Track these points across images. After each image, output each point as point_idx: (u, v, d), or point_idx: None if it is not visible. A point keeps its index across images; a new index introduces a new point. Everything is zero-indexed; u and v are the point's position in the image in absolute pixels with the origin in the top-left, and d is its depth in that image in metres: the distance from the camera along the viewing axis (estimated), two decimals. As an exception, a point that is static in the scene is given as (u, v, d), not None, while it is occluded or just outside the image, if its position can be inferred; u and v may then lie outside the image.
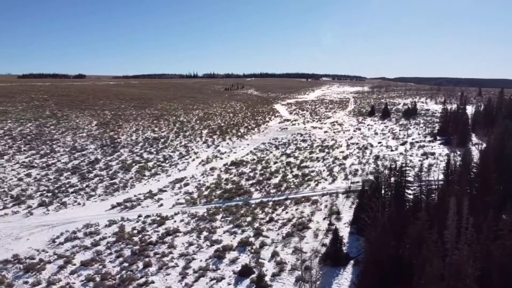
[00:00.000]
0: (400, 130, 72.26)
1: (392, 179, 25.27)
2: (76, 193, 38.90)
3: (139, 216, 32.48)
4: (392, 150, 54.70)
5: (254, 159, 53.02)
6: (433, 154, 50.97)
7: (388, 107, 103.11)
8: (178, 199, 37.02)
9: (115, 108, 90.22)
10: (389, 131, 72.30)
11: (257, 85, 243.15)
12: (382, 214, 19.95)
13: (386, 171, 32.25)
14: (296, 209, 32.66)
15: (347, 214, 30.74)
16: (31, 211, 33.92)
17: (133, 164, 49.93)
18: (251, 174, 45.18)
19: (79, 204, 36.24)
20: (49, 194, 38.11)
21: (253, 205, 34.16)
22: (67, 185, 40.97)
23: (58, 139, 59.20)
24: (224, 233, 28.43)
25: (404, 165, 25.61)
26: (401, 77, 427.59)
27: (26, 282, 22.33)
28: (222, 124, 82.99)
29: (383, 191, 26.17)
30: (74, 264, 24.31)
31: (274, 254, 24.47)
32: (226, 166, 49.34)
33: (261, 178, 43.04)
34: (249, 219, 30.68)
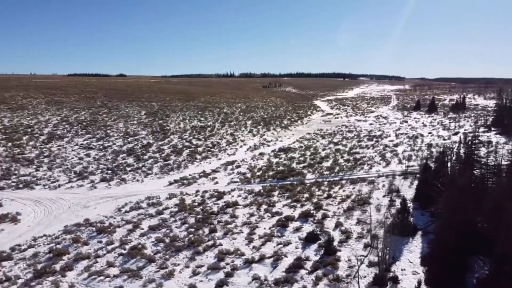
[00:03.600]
0: (450, 123, 70.08)
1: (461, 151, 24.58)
2: (133, 171, 40.34)
3: (197, 191, 33.25)
4: (444, 139, 53.14)
5: (301, 147, 53.04)
6: (489, 142, 49.02)
7: (434, 102, 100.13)
8: (232, 178, 37.61)
9: (161, 100, 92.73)
10: (438, 123, 70.28)
11: (295, 84, 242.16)
12: (457, 180, 19.49)
13: (456, 145, 31.23)
14: (353, 188, 32.41)
15: (407, 193, 30.18)
16: (94, 185, 35.48)
17: (184, 148, 51.13)
18: (301, 158, 45.21)
19: (137, 180, 37.55)
20: (109, 172, 39.74)
21: (308, 184, 34.18)
22: (124, 165, 42.55)
23: (111, 125, 61.63)
24: (283, 206, 28.63)
25: (474, 140, 24.87)
26: (442, 78, 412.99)
27: (100, 242, 23.41)
28: (265, 116, 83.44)
29: (449, 166, 25.53)
30: (142, 229, 25.24)
31: (338, 224, 24.42)
32: (275, 152, 49.63)
33: (312, 162, 43.01)
34: (306, 195, 30.74)
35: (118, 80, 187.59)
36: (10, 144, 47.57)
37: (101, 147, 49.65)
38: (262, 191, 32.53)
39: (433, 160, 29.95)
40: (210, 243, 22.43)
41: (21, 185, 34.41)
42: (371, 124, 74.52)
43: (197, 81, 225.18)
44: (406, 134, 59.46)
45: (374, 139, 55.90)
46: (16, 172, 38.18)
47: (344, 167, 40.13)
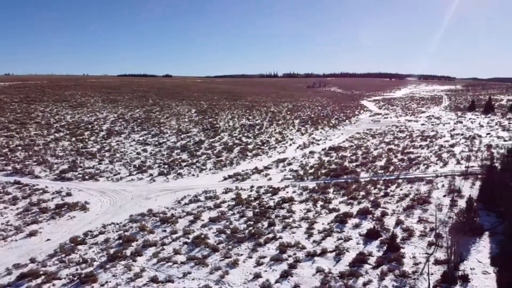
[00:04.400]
0: (510, 123, 66.55)
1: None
2: (188, 166, 41.66)
3: (252, 186, 33.85)
4: (505, 140, 50.62)
5: (352, 146, 52.42)
6: (556, 144, 46.21)
7: (491, 102, 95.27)
8: (285, 175, 37.92)
9: (209, 99, 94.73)
10: (496, 124, 66.97)
11: (339, 84, 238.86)
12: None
13: None
14: (411, 187, 31.73)
15: (468, 193, 29.13)
16: (153, 179, 37.02)
17: (234, 146, 52.08)
18: (353, 157, 44.71)
19: (193, 175, 38.76)
20: (166, 166, 41.28)
21: (363, 182, 33.84)
22: (179, 160, 44.02)
23: (164, 122, 63.88)
24: (339, 203, 28.58)
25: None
26: (497, 78, 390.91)
27: (164, 231, 24.50)
28: (312, 115, 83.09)
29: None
30: (203, 220, 26.12)
31: (399, 222, 24.10)
32: (325, 151, 49.40)
33: (364, 161, 42.45)
34: (362, 193, 30.48)
35: (166, 80, 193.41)
36: (74, 139, 50.59)
37: (156, 143, 51.64)
38: (316, 188, 32.61)
39: (499, 160, 28.72)
40: (270, 236, 22.86)
41: (87, 177, 36.54)
42: (423, 124, 72.22)
43: (241, 81, 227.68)
44: (462, 134, 57.16)
45: (428, 140, 54.20)
46: (81, 164, 40.56)
47: (399, 166, 39.30)
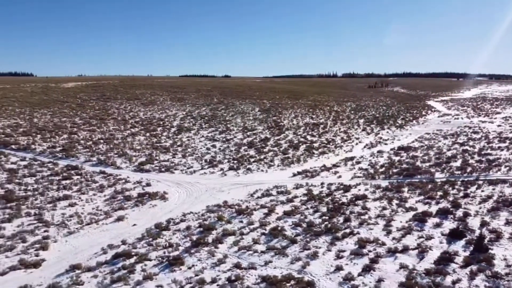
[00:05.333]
0: None
1: None
2: (257, 162, 42.50)
3: (322, 183, 33.88)
4: None
5: (422, 146, 50.56)
6: None
7: None
8: (355, 173, 37.50)
9: (271, 99, 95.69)
10: None
11: (403, 84, 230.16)
12: None
13: None
14: (493, 189, 30.07)
15: (562, 198, 27.12)
16: (224, 173, 38.25)
17: (300, 144, 52.28)
18: (425, 157, 43.13)
19: (262, 171, 39.52)
20: (235, 162, 42.43)
21: (439, 183, 32.61)
22: (247, 156, 45.04)
23: (230, 120, 65.63)
24: (416, 202, 27.81)
25: None
26: None
27: (241, 221, 25.30)
28: (377, 115, 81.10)
29: None
30: (277, 213, 26.62)
31: (484, 223, 23.02)
32: (394, 150, 48.11)
33: (438, 161, 40.81)
34: (440, 193, 29.39)
35: (226, 80, 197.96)
36: (148, 134, 53.57)
37: (224, 139, 53.23)
38: (389, 186, 31.93)
39: None
40: (347, 231, 22.83)
41: (163, 169, 38.57)
42: (499, 125, 67.82)
43: (300, 81, 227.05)
44: (547, 136, 53.03)
45: (508, 141, 50.89)
46: (157, 158, 42.87)
47: (477, 167, 37.34)
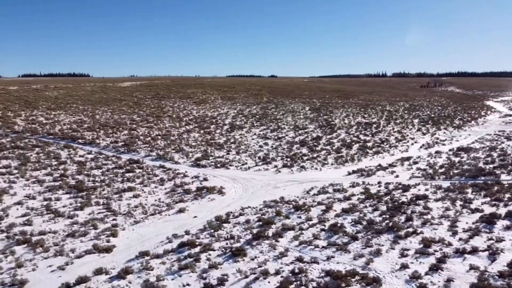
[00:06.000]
0: None
1: None
2: (310, 160, 42.43)
3: (379, 182, 33.26)
4: None
5: (484, 147, 48.23)
6: None
7: None
8: (412, 173, 36.48)
9: (321, 98, 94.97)
10: None
11: (457, 83, 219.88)
12: None
13: None
14: None
15: None
16: (278, 170, 38.55)
17: (353, 143, 51.55)
18: (488, 159, 41.12)
19: (315, 169, 39.42)
20: (288, 159, 42.61)
21: (506, 185, 31.00)
22: (300, 154, 45.08)
23: (280, 118, 65.92)
24: (482, 204, 26.64)
25: None
26: None
27: (299, 217, 25.43)
28: (432, 115, 78.20)
29: None
30: (335, 210, 26.50)
31: (561, 228, 21.67)
32: (453, 151, 46.24)
33: (503, 163, 38.76)
34: (508, 195, 27.96)
35: (274, 80, 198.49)
36: (202, 131, 55.04)
37: (275, 137, 53.59)
38: (451, 187, 30.78)
39: None
40: (410, 230, 22.32)
41: (218, 165, 39.50)
42: None
43: (348, 81, 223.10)
44: None
45: None
46: (212, 154, 43.97)
47: (548, 170, 35.10)
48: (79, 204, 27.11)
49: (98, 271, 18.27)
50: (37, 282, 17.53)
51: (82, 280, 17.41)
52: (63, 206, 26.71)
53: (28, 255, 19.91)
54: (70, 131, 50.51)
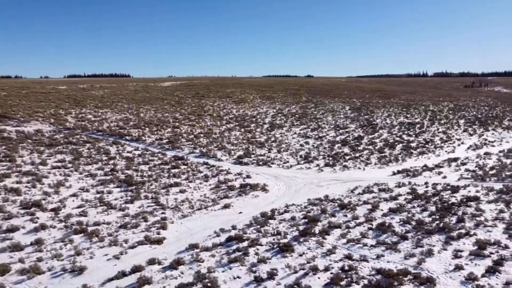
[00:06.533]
0: None
1: None
2: (352, 160, 41.95)
3: (426, 183, 32.43)
4: None
5: (538, 149, 45.90)
6: None
7: None
8: (461, 174, 35.32)
9: (361, 98, 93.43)
10: None
11: (505, 83, 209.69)
12: None
13: None
14: None
15: None
16: (320, 169, 38.38)
17: (396, 143, 50.49)
18: (544, 161, 39.14)
19: (359, 168, 38.93)
20: (330, 158, 42.33)
21: None
22: (342, 153, 44.64)
23: (321, 118, 65.48)
24: (540, 207, 25.42)
25: None
26: None
27: (345, 216, 25.25)
28: (479, 115, 75.10)
29: None
30: (382, 210, 26.10)
31: None
32: (504, 153, 44.36)
33: (561, 166, 36.79)
34: None
35: (311, 80, 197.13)
36: (242, 129, 55.63)
37: (316, 136, 53.34)
38: (504, 189, 29.54)
39: None
40: (462, 231, 21.67)
41: (260, 163, 39.82)
42: None
43: (388, 81, 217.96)
44: None
45: None
46: (254, 152, 44.37)
47: None
48: (129, 198, 28.12)
49: (151, 261, 18.93)
50: (95, 269, 18.37)
51: (137, 269, 18.09)
52: (115, 199, 27.81)
53: (85, 244, 20.88)
54: (117, 128, 52.46)
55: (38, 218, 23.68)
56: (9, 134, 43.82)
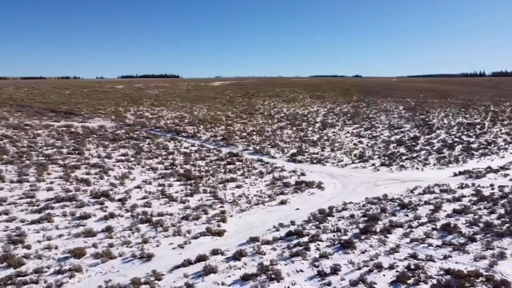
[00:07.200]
0: None
1: None
2: (409, 160, 40.75)
3: (491, 185, 30.89)
4: None
5: None
6: None
7: None
8: (531, 177, 33.29)
9: (415, 97, 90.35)
10: None
11: None
12: None
13: None
14: None
15: None
16: (376, 168, 37.62)
17: (455, 144, 48.42)
18: None
19: (417, 168, 37.77)
20: (386, 158, 41.36)
21: None
22: (398, 153, 43.48)
23: (373, 117, 64.14)
24: None
25: None
26: None
27: (406, 215, 24.65)
28: (548, 116, 70.11)
29: None
30: (445, 211, 25.17)
31: None
32: None
33: None
34: None
35: (360, 80, 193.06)
36: (294, 128, 55.70)
37: (370, 136, 52.32)
38: None
39: None
40: (539, 235, 20.47)
41: (314, 161, 39.69)
42: None
43: (442, 81, 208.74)
44: None
45: None
46: (307, 150, 44.32)
47: None
48: (189, 191, 29.07)
49: (215, 252, 19.48)
50: (161, 256, 19.20)
51: (202, 258, 18.69)
52: (175, 192, 28.86)
53: (151, 232, 21.86)
54: (174, 125, 54.31)
55: (107, 207, 25.09)
56: (76, 129, 46.71)
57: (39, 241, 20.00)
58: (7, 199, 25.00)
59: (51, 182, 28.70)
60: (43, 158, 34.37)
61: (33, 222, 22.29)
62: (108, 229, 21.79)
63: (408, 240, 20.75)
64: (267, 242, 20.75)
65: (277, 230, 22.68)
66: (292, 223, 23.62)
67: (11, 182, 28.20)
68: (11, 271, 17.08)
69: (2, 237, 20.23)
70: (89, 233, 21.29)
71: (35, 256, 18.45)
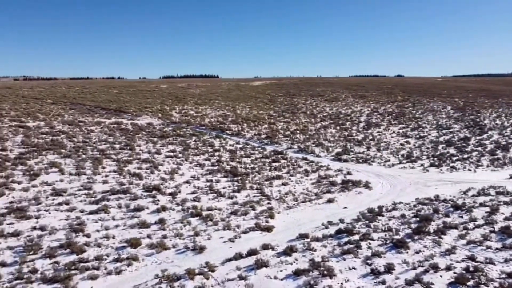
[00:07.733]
0: None
1: None
2: (460, 161, 39.27)
3: (554, 188, 29.22)
4: None
5: None
6: None
7: None
8: None
9: (464, 97, 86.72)
10: None
11: None
12: None
13: None
14: None
15: None
16: (425, 169, 36.53)
17: (509, 145, 46.09)
18: None
19: (469, 170, 36.36)
20: (435, 159, 40.06)
21: None
22: (447, 154, 41.98)
23: (420, 117, 62.24)
24: None
25: None
26: None
27: (460, 217, 23.78)
28: None
29: None
30: (503, 213, 24.07)
31: None
32: None
33: None
34: None
35: (403, 79, 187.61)
36: (338, 127, 55.06)
37: (417, 136, 50.84)
38: None
39: None
40: None
41: (360, 160, 39.09)
42: None
43: (492, 80, 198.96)
44: None
45: None
46: (352, 149, 43.72)
47: None
48: (236, 187, 29.46)
49: (265, 247, 19.66)
50: (213, 249, 19.60)
51: (253, 252, 18.93)
52: (223, 188, 29.33)
53: (201, 226, 22.37)
54: (218, 123, 55.19)
55: (158, 200, 25.91)
56: (126, 126, 48.47)
57: (97, 230, 20.95)
58: (67, 190, 26.37)
59: (106, 176, 29.98)
60: (98, 152, 35.93)
61: (91, 212, 23.37)
62: (161, 221, 22.50)
63: (464, 241, 20.05)
64: (317, 239, 20.69)
65: (326, 227, 22.57)
66: (341, 221, 23.42)
67: (70, 174, 29.70)
68: (74, 257, 18.01)
69: (64, 226, 21.35)
70: (143, 225, 22.06)
71: (95, 244, 19.35)
